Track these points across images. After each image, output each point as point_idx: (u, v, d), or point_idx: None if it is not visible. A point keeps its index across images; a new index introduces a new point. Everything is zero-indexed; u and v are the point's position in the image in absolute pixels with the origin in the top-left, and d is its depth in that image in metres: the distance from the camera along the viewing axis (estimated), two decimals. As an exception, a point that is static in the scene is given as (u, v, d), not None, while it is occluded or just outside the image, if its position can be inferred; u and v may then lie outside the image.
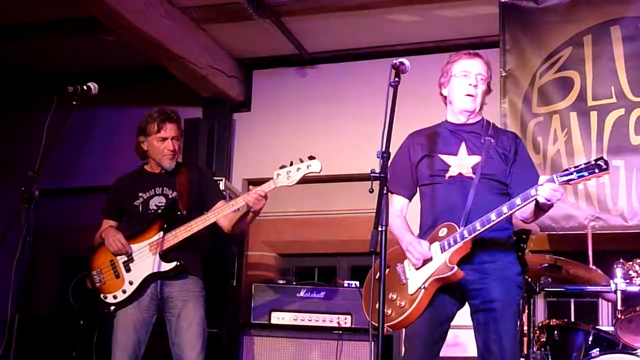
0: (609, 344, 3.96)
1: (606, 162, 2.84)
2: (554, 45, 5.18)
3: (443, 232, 3.12)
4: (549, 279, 4.30)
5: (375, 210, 2.74)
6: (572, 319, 5.26)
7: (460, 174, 3.20)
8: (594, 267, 4.34)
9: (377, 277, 3.27)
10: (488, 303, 3.09)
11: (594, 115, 5.00)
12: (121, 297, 3.86)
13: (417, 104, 4.85)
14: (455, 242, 3.05)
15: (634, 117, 4.89)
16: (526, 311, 4.15)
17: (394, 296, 3.15)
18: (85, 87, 3.33)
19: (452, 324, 3.26)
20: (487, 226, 3.00)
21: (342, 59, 6.30)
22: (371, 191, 2.91)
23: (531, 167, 3.30)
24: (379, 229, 2.67)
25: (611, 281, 3.98)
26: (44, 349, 5.69)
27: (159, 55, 5.64)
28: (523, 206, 2.98)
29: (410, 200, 3.39)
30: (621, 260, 4.03)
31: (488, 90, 3.34)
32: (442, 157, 3.25)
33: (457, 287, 3.13)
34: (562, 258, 4.27)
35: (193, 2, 5.56)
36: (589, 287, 4.35)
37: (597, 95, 5.01)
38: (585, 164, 2.87)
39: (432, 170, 3.25)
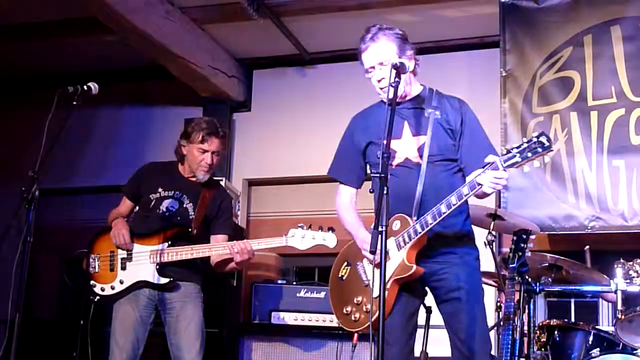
0: (609, 344, 3.95)
1: (549, 139, 2.70)
2: (554, 45, 5.18)
3: (397, 225, 3.04)
4: (549, 279, 4.30)
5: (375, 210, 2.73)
6: (573, 319, 5.26)
7: (407, 159, 3.10)
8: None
9: (339, 276, 3.26)
10: (451, 292, 3.04)
11: (594, 115, 5.00)
12: (109, 292, 3.88)
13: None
14: (410, 238, 2.98)
15: (634, 117, 4.88)
16: (526, 311, 4.15)
17: (359, 299, 3.11)
18: (85, 87, 3.32)
19: (438, 324, 3.24)
20: (438, 219, 2.92)
21: (342, 59, 6.28)
22: (371, 191, 2.90)
23: (480, 135, 3.13)
24: (379, 229, 2.65)
25: (611, 281, 3.98)
26: (45, 349, 5.69)
27: (159, 55, 5.64)
28: (471, 195, 2.88)
29: (359, 188, 3.30)
30: (621, 260, 4.03)
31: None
32: None
33: (418, 280, 3.07)
34: (562, 258, 4.27)
35: (193, 2, 5.57)
36: (589, 287, 4.35)
37: (598, 95, 5.00)
38: (527, 142, 2.72)
39: (378, 159, 3.13)
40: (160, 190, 3.99)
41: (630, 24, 4.97)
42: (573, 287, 4.50)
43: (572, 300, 5.50)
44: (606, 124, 4.94)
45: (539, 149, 2.70)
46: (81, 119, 4.78)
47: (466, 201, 3.04)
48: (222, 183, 5.60)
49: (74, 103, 3.26)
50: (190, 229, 3.90)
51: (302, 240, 3.79)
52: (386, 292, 2.96)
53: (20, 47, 6.26)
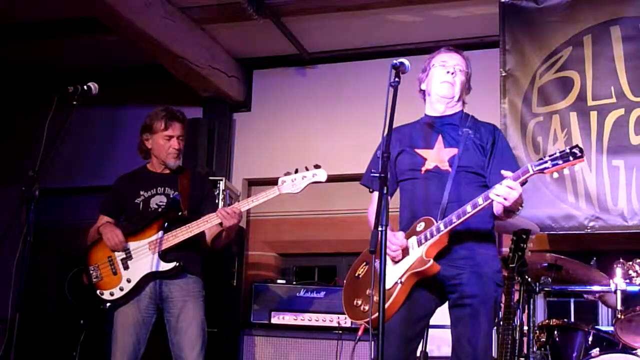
0: (609, 343, 3.96)
1: (581, 150, 2.81)
2: (554, 45, 5.18)
3: (421, 226, 3.09)
4: (549, 279, 4.31)
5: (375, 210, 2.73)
6: (572, 319, 5.26)
7: (436, 166, 3.17)
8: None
9: (356, 274, 3.28)
10: (464, 299, 3.07)
11: (593, 115, 5.00)
12: (118, 294, 3.85)
13: (417, 103, 4.85)
14: (432, 235, 3.02)
15: (633, 117, 4.88)
16: (526, 311, 4.15)
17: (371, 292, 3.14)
18: (85, 87, 3.33)
19: (438, 324, 3.25)
20: (463, 218, 2.97)
21: (342, 59, 6.30)
22: (371, 191, 2.91)
23: (510, 158, 3.26)
24: (379, 229, 2.65)
25: (611, 281, 3.99)
26: (45, 348, 5.69)
27: (159, 55, 5.64)
28: (488, 203, 2.95)
29: (391, 197, 3.33)
30: (621, 260, 4.03)
31: (468, 86, 3.34)
32: (419, 151, 3.23)
33: (436, 282, 3.10)
34: (562, 257, 4.27)
35: (193, 2, 5.57)
36: (589, 287, 4.35)
37: (597, 95, 5.00)
38: (560, 152, 2.84)
39: (408, 165, 3.24)
40: (142, 192, 3.99)
41: (630, 24, 4.97)
42: (573, 287, 4.50)
43: (572, 300, 5.50)
44: (606, 124, 4.94)
45: (571, 158, 2.81)
46: (81, 119, 4.77)
47: (493, 217, 3.18)
48: (222, 183, 5.61)
49: (74, 103, 3.27)
50: (181, 212, 3.89)
51: (293, 184, 3.83)
52: (399, 286, 3.03)
53: (20, 47, 6.26)
